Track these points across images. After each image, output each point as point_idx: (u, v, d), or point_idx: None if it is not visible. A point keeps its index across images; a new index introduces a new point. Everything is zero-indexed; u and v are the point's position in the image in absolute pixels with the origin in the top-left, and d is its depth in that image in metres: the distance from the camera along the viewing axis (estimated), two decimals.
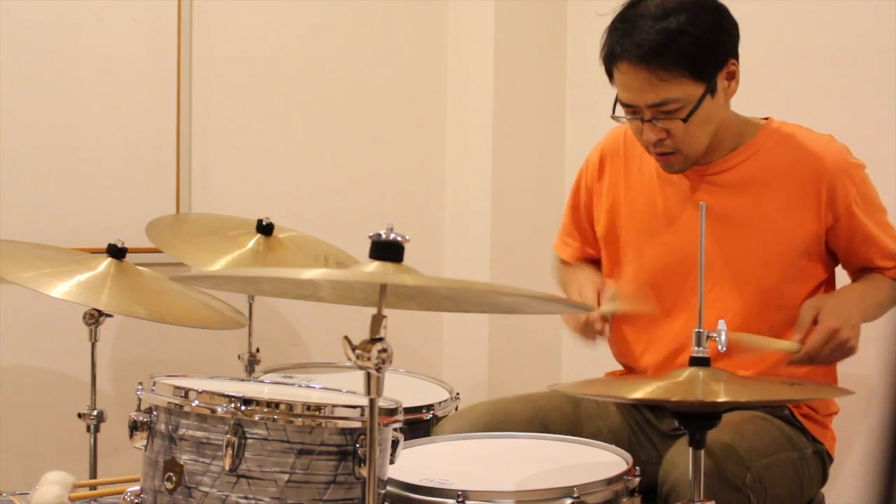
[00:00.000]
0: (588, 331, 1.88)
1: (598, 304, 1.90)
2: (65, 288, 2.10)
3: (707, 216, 1.89)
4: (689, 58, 1.76)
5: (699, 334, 1.45)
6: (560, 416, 1.92)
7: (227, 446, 1.39)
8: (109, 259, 2.22)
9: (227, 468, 1.39)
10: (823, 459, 1.91)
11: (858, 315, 1.79)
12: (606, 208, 2.04)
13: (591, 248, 2.13)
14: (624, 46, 1.78)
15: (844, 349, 1.76)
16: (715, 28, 1.79)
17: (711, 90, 1.79)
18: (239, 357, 2.62)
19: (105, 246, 2.24)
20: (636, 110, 1.81)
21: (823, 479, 1.92)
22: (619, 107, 1.85)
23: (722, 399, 1.39)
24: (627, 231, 2.00)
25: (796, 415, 1.89)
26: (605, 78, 1.87)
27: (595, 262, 2.13)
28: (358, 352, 1.25)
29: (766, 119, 1.94)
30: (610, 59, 1.82)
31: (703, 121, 1.81)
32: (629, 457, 1.65)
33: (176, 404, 1.44)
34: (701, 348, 1.45)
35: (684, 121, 1.78)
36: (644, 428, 1.97)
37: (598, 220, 2.06)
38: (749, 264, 1.88)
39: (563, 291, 2.10)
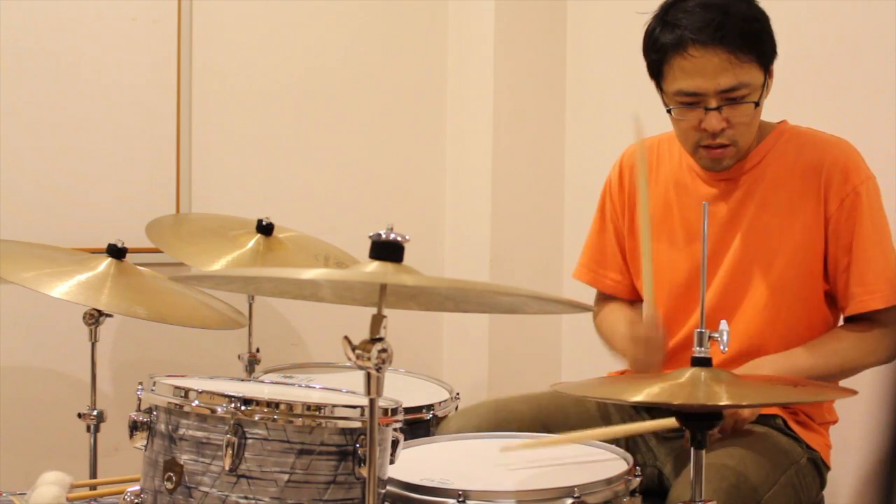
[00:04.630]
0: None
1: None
2: (65, 288, 2.09)
3: (718, 221, 1.89)
4: (760, 43, 1.77)
5: (701, 334, 1.45)
6: (562, 417, 1.92)
7: (227, 446, 1.38)
8: (109, 259, 2.22)
9: (227, 468, 1.38)
10: (818, 466, 1.90)
11: (779, 373, 1.78)
12: (628, 221, 2.04)
13: (620, 274, 2.10)
14: (694, 30, 1.75)
15: (739, 425, 1.80)
16: (768, 21, 1.81)
17: (765, 82, 1.80)
18: (239, 357, 2.62)
19: (105, 246, 2.24)
20: (700, 99, 1.78)
21: (821, 485, 1.92)
22: (671, 102, 1.83)
23: (724, 402, 1.38)
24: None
25: (790, 423, 1.89)
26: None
27: (621, 291, 2.12)
28: (358, 352, 1.25)
29: (781, 122, 1.94)
30: (674, 48, 1.78)
31: (759, 112, 1.82)
32: (629, 457, 1.65)
33: (176, 404, 1.44)
34: (702, 348, 1.44)
35: (756, 105, 1.78)
36: None
37: (623, 234, 2.07)
38: (758, 267, 1.87)
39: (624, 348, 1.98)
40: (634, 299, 2.11)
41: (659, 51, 1.81)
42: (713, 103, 1.77)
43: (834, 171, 1.83)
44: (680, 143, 1.91)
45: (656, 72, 1.84)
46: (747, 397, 1.47)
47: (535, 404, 1.94)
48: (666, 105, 1.85)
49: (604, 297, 2.15)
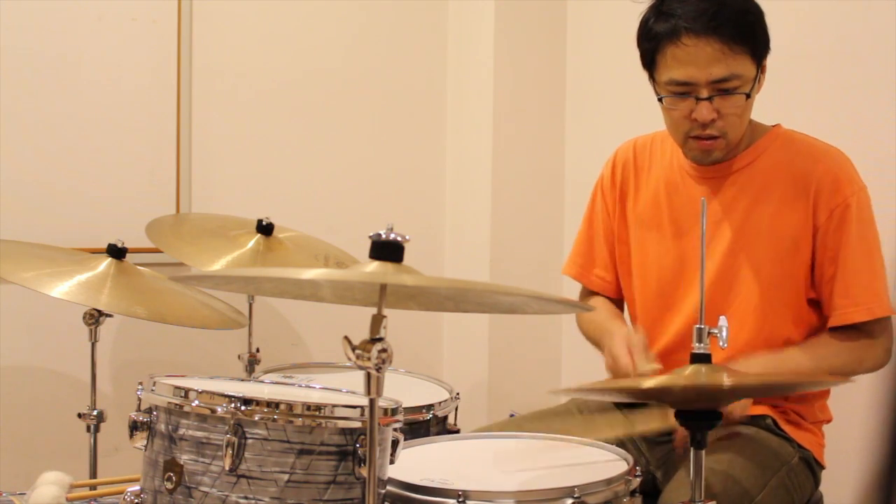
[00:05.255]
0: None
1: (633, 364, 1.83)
2: (65, 288, 2.09)
3: (708, 220, 1.89)
4: (753, 35, 1.77)
5: (700, 331, 1.44)
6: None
7: (227, 446, 1.38)
8: (109, 259, 2.22)
9: (227, 468, 1.38)
10: (811, 465, 1.89)
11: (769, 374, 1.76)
12: (619, 218, 2.04)
13: (606, 271, 2.11)
14: (688, 19, 1.75)
15: (729, 422, 1.76)
16: (762, 15, 1.81)
17: (757, 75, 1.80)
18: (239, 357, 2.62)
19: (105, 246, 2.24)
20: (692, 89, 1.78)
21: (815, 484, 1.91)
22: (663, 91, 1.83)
23: (727, 383, 1.37)
24: (635, 238, 2.01)
25: (780, 422, 1.88)
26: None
27: (607, 288, 2.13)
28: (358, 352, 1.25)
29: (776, 125, 1.94)
30: (668, 36, 1.78)
31: (750, 106, 1.82)
32: (630, 457, 1.65)
33: (176, 404, 1.44)
34: (702, 345, 1.44)
35: (748, 96, 1.78)
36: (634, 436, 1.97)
37: (613, 231, 2.07)
38: (745, 269, 1.87)
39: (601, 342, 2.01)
40: (619, 298, 2.11)
41: (653, 39, 1.81)
42: (704, 93, 1.77)
43: (825, 180, 1.83)
44: (670, 134, 1.91)
45: (649, 61, 1.84)
46: (746, 379, 1.45)
47: (522, 426, 1.93)
48: (657, 94, 1.85)
49: (589, 294, 2.16)
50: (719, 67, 1.75)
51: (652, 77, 1.86)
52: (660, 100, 1.85)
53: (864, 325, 1.84)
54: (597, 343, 2.04)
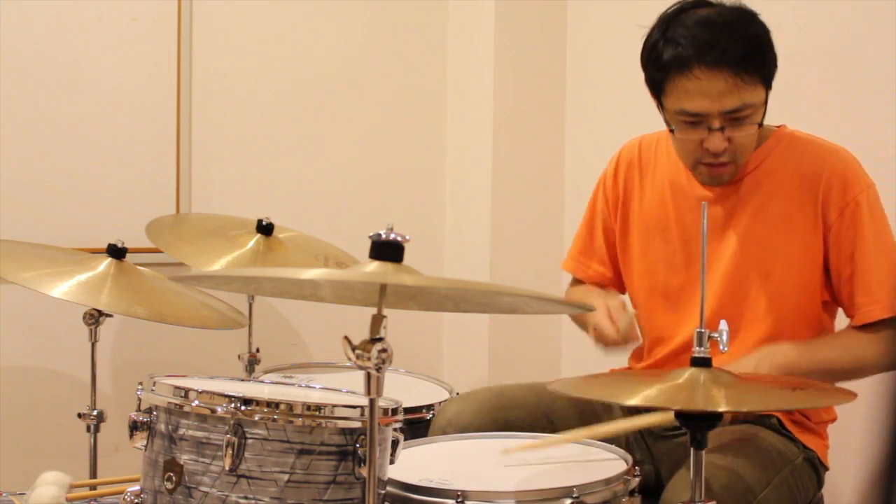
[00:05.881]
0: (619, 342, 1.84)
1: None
2: (65, 288, 2.09)
3: (715, 224, 1.89)
4: (764, 61, 1.75)
5: (700, 334, 1.44)
6: (564, 404, 1.91)
7: (227, 446, 1.39)
8: (109, 259, 2.22)
9: (227, 468, 1.39)
10: (815, 466, 1.89)
11: (795, 362, 1.74)
12: (621, 217, 2.04)
13: (603, 266, 2.10)
14: (700, 51, 1.72)
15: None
16: (769, 33, 1.79)
17: (766, 98, 1.79)
18: (239, 357, 2.62)
19: (105, 246, 2.24)
20: (703, 119, 1.76)
21: (818, 485, 1.91)
22: (673, 120, 1.80)
23: (723, 409, 1.37)
24: (640, 240, 2.00)
25: (785, 423, 1.88)
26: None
27: (604, 282, 2.12)
28: (358, 352, 1.25)
29: (780, 126, 1.93)
30: (678, 67, 1.74)
31: (758, 129, 1.81)
32: (629, 457, 1.65)
33: (176, 404, 1.44)
34: (702, 348, 1.44)
35: (760, 125, 1.77)
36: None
37: (612, 229, 2.06)
38: (755, 273, 1.87)
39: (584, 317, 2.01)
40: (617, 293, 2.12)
41: (662, 69, 1.77)
42: (716, 124, 1.75)
43: (833, 180, 1.82)
44: (679, 158, 1.89)
45: (657, 88, 1.81)
46: (745, 403, 1.45)
47: (537, 391, 1.93)
48: (667, 123, 1.83)
49: (577, 281, 2.17)
50: (732, 99, 1.73)
51: (660, 102, 1.83)
52: (671, 130, 1.83)
53: (886, 321, 1.83)
54: (581, 323, 2.03)
